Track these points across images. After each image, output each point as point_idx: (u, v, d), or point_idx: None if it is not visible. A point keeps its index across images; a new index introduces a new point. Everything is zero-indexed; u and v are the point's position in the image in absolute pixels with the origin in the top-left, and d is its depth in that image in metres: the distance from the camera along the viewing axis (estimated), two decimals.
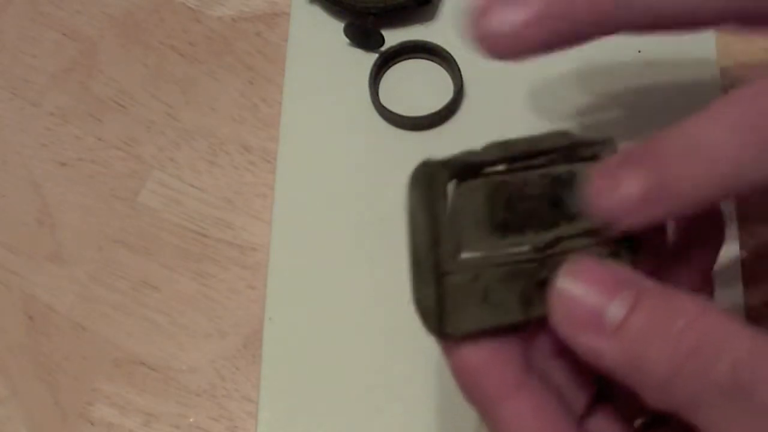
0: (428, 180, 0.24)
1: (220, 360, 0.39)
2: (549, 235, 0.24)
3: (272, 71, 0.45)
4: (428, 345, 0.37)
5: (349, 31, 0.43)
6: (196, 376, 0.38)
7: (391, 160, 0.41)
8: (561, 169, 0.25)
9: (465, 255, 0.24)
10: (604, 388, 0.27)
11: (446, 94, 0.42)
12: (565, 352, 0.25)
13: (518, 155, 0.25)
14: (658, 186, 0.22)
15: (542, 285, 0.24)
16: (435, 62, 0.43)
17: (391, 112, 0.42)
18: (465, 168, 0.24)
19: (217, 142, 0.43)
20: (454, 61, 0.42)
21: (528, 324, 0.25)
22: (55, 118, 0.45)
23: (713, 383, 0.21)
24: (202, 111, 0.44)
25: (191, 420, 0.38)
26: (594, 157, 0.25)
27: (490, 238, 0.24)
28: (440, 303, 0.24)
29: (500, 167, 0.25)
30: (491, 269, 0.24)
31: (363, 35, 0.43)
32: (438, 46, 0.43)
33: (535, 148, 0.25)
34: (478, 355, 0.24)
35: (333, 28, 0.44)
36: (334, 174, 0.41)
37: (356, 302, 0.38)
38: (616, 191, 0.23)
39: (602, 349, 0.23)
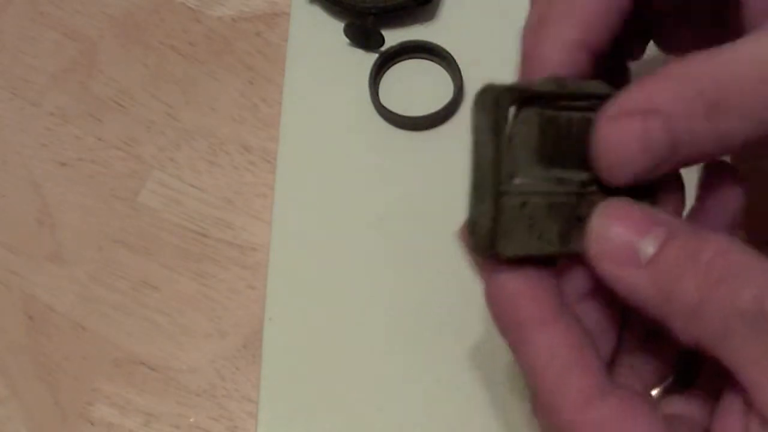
0: (494, 102, 0.25)
1: (220, 360, 0.39)
2: (586, 176, 0.26)
3: (272, 71, 0.45)
4: (428, 345, 0.37)
5: (349, 31, 0.43)
6: (196, 376, 0.38)
7: (391, 160, 0.41)
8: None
9: (519, 180, 0.25)
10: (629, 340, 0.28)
11: (446, 94, 0.42)
12: (596, 292, 0.26)
13: (568, 94, 0.26)
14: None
15: (579, 221, 0.25)
16: (435, 62, 0.43)
17: (391, 112, 0.42)
18: (524, 96, 0.25)
19: (217, 142, 0.43)
20: (454, 61, 0.42)
21: (561, 258, 0.26)
22: (55, 118, 0.45)
23: (738, 311, 0.22)
24: (202, 111, 0.44)
25: (191, 420, 0.38)
26: None
27: (540, 168, 0.25)
28: (495, 222, 0.25)
29: (551, 104, 0.26)
30: (538, 198, 0.25)
31: (363, 35, 0.43)
32: (438, 46, 0.43)
33: (582, 90, 0.26)
34: (517, 281, 0.25)
35: (333, 28, 0.44)
36: (334, 174, 0.41)
37: (356, 302, 0.38)
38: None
39: (636, 281, 0.24)
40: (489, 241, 0.25)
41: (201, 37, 0.46)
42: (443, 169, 0.40)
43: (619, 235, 0.24)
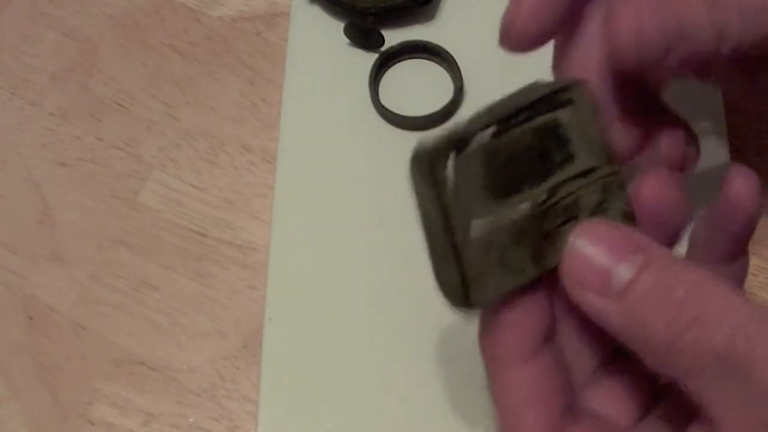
0: (428, 161, 0.25)
1: (220, 360, 0.39)
2: (544, 187, 0.25)
3: (272, 71, 0.45)
4: (428, 344, 0.37)
5: (349, 31, 0.43)
6: (196, 376, 0.38)
7: (391, 160, 0.41)
8: (544, 118, 0.26)
9: (475, 226, 0.25)
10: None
11: (446, 94, 0.42)
12: (577, 309, 0.25)
13: (504, 115, 0.25)
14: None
15: (548, 236, 0.25)
16: (435, 62, 0.43)
17: (391, 112, 0.42)
18: (459, 141, 0.25)
19: (217, 142, 0.43)
20: (454, 61, 0.42)
21: (542, 277, 0.26)
22: (55, 118, 0.45)
23: (710, 351, 0.22)
24: (202, 111, 0.44)
25: (191, 420, 0.38)
26: (571, 101, 0.26)
27: (494, 203, 0.25)
28: (464, 279, 0.25)
29: (490, 131, 0.26)
30: (501, 233, 0.25)
31: (363, 35, 0.43)
32: (438, 46, 0.43)
33: (517, 104, 0.26)
34: (502, 319, 0.25)
35: (333, 28, 0.44)
36: (334, 174, 0.41)
37: (356, 302, 0.38)
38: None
39: (608, 310, 0.23)
40: (463, 298, 0.25)
41: (201, 37, 0.46)
42: None
43: (595, 257, 0.24)
